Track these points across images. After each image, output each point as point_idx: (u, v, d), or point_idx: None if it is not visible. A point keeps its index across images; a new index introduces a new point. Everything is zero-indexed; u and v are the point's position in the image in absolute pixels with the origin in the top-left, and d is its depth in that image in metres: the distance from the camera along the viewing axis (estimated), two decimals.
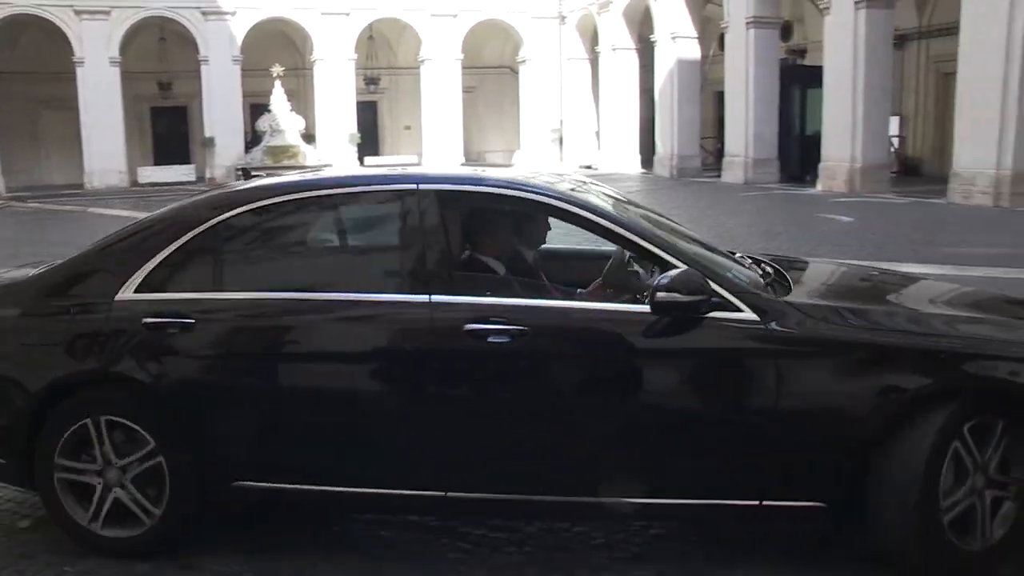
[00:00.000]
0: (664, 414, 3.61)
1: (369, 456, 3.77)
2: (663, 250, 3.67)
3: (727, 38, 25.21)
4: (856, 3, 20.22)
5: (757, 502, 3.56)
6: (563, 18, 33.52)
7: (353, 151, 31.30)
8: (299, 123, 28.97)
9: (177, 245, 3.91)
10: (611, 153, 30.92)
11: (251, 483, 3.79)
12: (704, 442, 3.59)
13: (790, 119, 25.45)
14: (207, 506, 3.89)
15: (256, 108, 30.87)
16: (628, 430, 3.61)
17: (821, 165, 21.95)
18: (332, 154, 29.86)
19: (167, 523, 3.82)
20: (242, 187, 4.56)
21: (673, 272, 3.46)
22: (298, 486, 3.80)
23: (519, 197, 3.98)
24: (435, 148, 32.19)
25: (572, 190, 4.05)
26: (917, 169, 26.09)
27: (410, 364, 3.69)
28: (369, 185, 4.16)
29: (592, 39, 32.58)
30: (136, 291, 3.85)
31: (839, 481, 3.45)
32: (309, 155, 28.92)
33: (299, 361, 3.86)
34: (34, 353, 3.95)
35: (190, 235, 3.91)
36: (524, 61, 33.96)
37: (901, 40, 26.16)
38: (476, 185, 4.19)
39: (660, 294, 3.41)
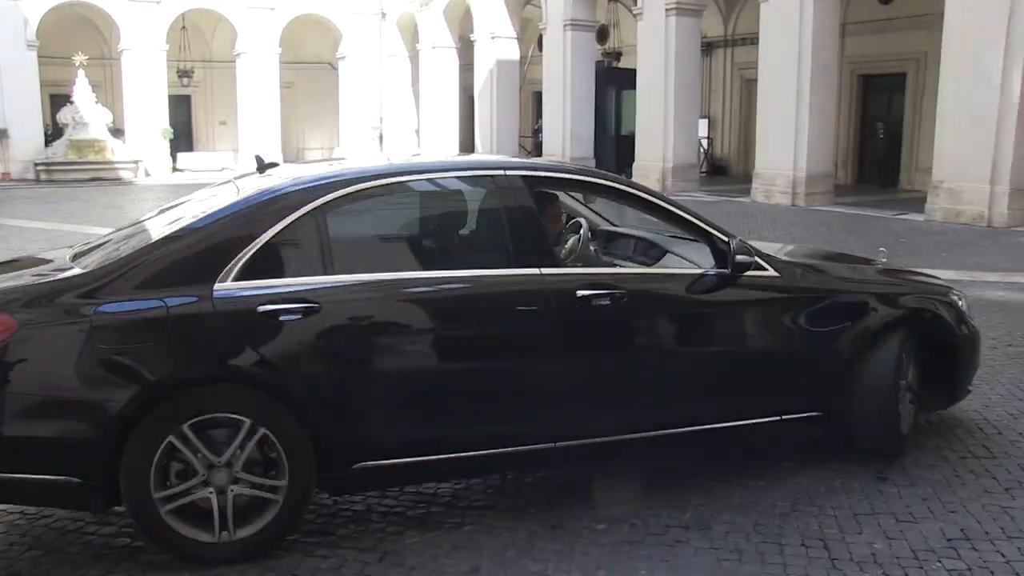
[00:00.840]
0: (729, 354, 4.53)
1: (491, 418, 4.06)
2: (709, 227, 4.48)
3: (545, 39, 25.76)
4: (667, 10, 21.13)
5: (779, 418, 4.56)
6: (383, 14, 33.26)
7: (165, 146, 29.91)
8: (106, 116, 27.50)
9: (278, 229, 3.80)
10: (431, 151, 30.97)
11: (372, 463, 3.86)
12: (751, 374, 4.51)
13: (605, 119, 26.28)
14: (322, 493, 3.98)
15: (57, 99, 29.18)
16: (703, 369, 4.44)
17: (635, 164, 22.81)
18: (142, 149, 28.52)
19: (291, 508, 3.72)
20: (340, 169, 4.47)
21: (733, 242, 4.33)
22: (421, 458, 3.93)
23: (594, 183, 4.72)
24: (252, 144, 31.14)
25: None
26: (724, 169, 27.54)
27: (529, 330, 4.05)
28: (464, 170, 4.61)
29: (413, 37, 32.51)
30: (235, 279, 3.69)
31: (832, 392, 4.63)
32: (117, 150, 27.53)
33: (422, 337, 4.01)
34: (119, 358, 3.56)
35: (292, 218, 3.83)
36: (344, 57, 33.45)
37: (709, 47, 27.51)
38: (557, 172, 4.85)
39: (740, 256, 4.28)
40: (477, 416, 4.03)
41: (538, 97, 28.42)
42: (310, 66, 35.71)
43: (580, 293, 4.08)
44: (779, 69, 18.47)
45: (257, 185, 4.16)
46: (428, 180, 4.51)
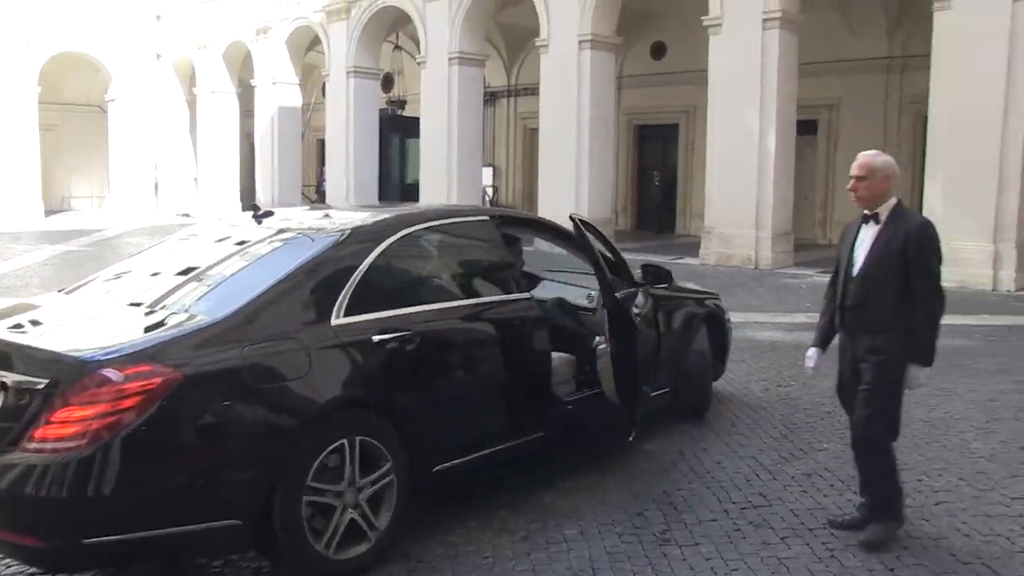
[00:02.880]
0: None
1: (515, 415, 4.91)
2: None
3: (328, 86, 25.29)
4: (450, 59, 21.25)
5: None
6: (158, 56, 31.71)
7: None
8: None
9: (368, 264, 4.33)
10: (211, 200, 29.54)
11: (447, 463, 4.48)
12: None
13: (390, 167, 26.08)
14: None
15: None
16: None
17: None
18: None
19: (391, 534, 4.14)
20: (404, 211, 5.24)
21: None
22: (473, 455, 4.63)
23: (546, 223, 6.13)
24: (7, 191, 28.45)
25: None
26: None
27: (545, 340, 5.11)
28: (478, 215, 5.40)
29: (190, 80, 31.16)
30: (345, 314, 4.12)
31: (679, 369, 6.34)
32: None
33: (473, 353, 4.81)
34: (270, 393, 3.78)
35: (372, 257, 4.37)
36: (115, 100, 31.52)
37: (493, 96, 27.95)
38: (526, 215, 7.09)
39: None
40: (507, 414, 4.89)
41: (322, 145, 27.88)
42: (76, 108, 33.46)
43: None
44: (559, 119, 18.95)
45: (319, 226, 4.77)
46: (456, 224, 5.24)
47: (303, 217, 5.26)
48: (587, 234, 5.31)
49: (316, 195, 29.70)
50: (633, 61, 24.39)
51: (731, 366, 7.67)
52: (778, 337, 9.91)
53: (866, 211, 4.41)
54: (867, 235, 4.41)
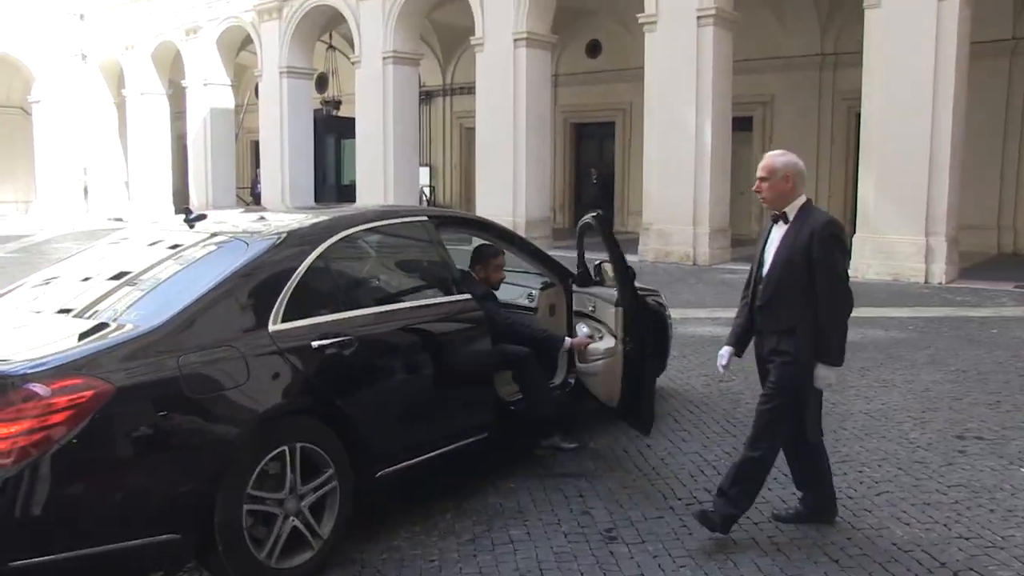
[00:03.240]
0: None
1: (458, 417, 4.88)
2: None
3: (261, 87, 24.88)
4: (384, 58, 21.05)
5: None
6: (84, 56, 30.89)
7: None
8: None
9: (304, 269, 4.20)
10: (143, 204, 28.87)
11: (391, 468, 4.40)
12: None
13: (326, 168, 25.76)
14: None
15: None
16: None
17: None
18: None
19: (334, 541, 4.06)
20: (342, 213, 5.04)
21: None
22: (417, 459, 4.55)
23: (487, 223, 5.93)
24: None
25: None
26: None
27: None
28: (417, 215, 5.25)
29: (119, 81, 30.40)
30: (282, 320, 4.00)
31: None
32: None
33: (414, 356, 4.69)
34: (208, 403, 3.64)
35: (309, 261, 4.24)
36: (39, 101, 30.66)
37: (428, 96, 27.80)
38: (465, 215, 6.64)
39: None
40: (445, 416, 4.81)
41: (257, 146, 27.44)
42: None
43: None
44: (496, 118, 18.89)
45: (254, 229, 4.64)
46: (394, 225, 5.12)
47: (238, 220, 5.13)
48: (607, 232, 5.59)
49: (251, 197, 29.20)
50: (569, 59, 24.44)
51: (672, 362, 7.68)
52: (718, 332, 9.95)
53: (775, 211, 4.37)
54: (776, 235, 4.37)
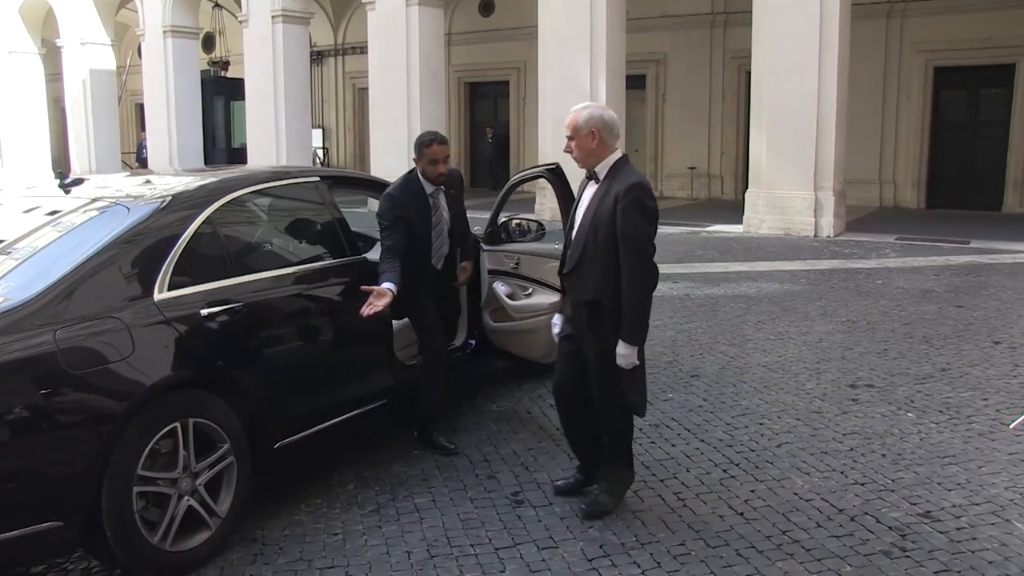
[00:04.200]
0: None
1: (356, 384, 4.74)
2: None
3: (144, 47, 23.79)
4: (273, 17, 20.42)
5: None
6: None
7: None
8: None
9: (187, 238, 3.98)
10: (18, 170, 27.37)
11: (289, 438, 4.25)
12: None
13: (214, 131, 24.94)
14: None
15: None
16: None
17: None
18: None
19: (232, 519, 3.89)
20: (229, 175, 4.81)
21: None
22: (316, 427, 4.40)
23: (383, 182, 5.41)
24: None
25: None
26: None
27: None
28: (308, 176, 5.09)
29: None
30: (168, 288, 3.80)
31: None
32: None
33: (308, 321, 4.51)
34: (90, 378, 3.39)
35: (195, 225, 4.03)
36: None
37: (320, 56, 27.14)
38: (359, 175, 6.53)
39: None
40: (344, 383, 4.68)
41: (142, 109, 26.31)
42: None
43: None
44: (389, 77, 18.56)
45: (137, 193, 4.37)
46: (285, 186, 4.91)
47: (120, 184, 4.85)
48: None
49: (137, 163, 28.06)
50: (462, 18, 24.15)
51: None
52: None
53: (587, 169, 4.08)
54: (587, 195, 4.07)
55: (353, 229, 5.13)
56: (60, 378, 3.29)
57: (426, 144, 4.97)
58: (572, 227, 4.11)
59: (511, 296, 5.75)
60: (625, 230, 3.83)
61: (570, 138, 4.02)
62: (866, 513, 4.15)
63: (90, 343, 3.42)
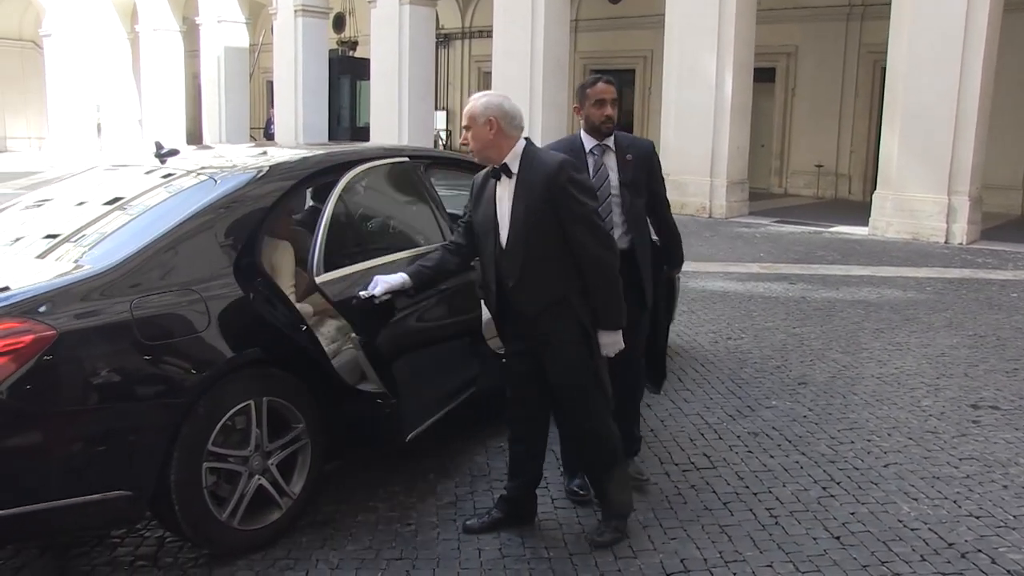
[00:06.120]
0: None
1: (457, 369, 4.57)
2: None
3: (276, 26, 24.41)
4: None
5: None
6: None
7: None
8: None
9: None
10: (164, 144, 28.48)
11: (419, 428, 4.11)
12: None
13: (339, 110, 25.40)
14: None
15: None
16: None
17: None
18: None
19: (304, 500, 3.84)
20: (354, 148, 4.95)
21: None
22: (438, 415, 4.29)
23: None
24: None
25: None
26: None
27: None
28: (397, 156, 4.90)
29: (132, 17, 29.92)
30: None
31: None
32: None
33: (392, 306, 4.06)
34: (164, 351, 3.35)
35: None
36: (50, 35, 30.14)
37: (447, 39, 27.29)
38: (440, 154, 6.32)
39: None
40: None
41: (271, 86, 27.02)
42: (7, 43, 32.06)
43: None
44: (512, 61, 18.45)
45: (220, 166, 4.26)
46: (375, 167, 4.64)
47: (220, 155, 4.83)
48: None
49: (264, 138, 28.87)
50: (589, 4, 23.86)
51: (680, 318, 7.43)
52: (729, 287, 9.69)
53: (488, 164, 3.70)
54: (504, 193, 3.65)
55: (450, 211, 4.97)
56: (132, 348, 3.26)
57: (589, 84, 4.18)
58: (494, 233, 3.68)
59: None
60: (572, 213, 3.51)
61: (466, 127, 3.67)
62: (979, 551, 3.79)
63: (165, 315, 3.38)
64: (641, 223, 4.21)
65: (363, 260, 4.13)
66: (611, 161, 4.16)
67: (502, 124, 3.59)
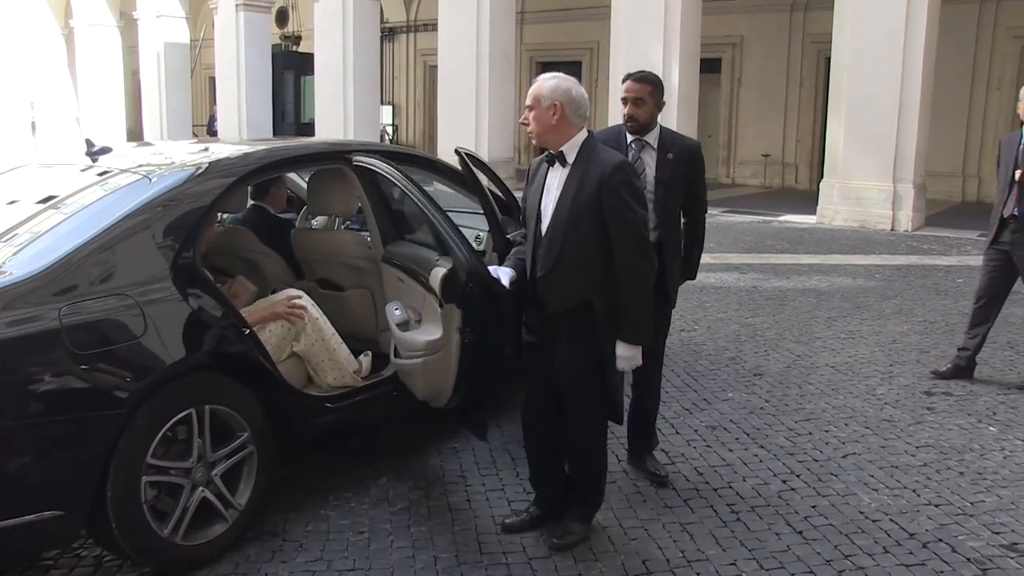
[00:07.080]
0: None
1: None
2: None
3: (217, 21, 23.93)
4: None
5: None
6: None
7: None
8: None
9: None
10: (96, 141, 27.82)
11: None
12: None
13: (284, 106, 25.03)
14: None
15: None
16: None
17: None
18: None
19: (251, 511, 3.66)
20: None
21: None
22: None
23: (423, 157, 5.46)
24: None
25: None
26: None
27: None
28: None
29: (66, 12, 29.14)
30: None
31: None
32: None
33: None
34: (97, 360, 3.13)
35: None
36: None
37: (391, 32, 27.00)
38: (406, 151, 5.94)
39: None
40: None
41: (214, 82, 26.52)
42: None
43: None
44: (459, 55, 18.30)
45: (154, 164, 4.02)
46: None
47: (159, 152, 4.63)
48: (474, 169, 4.49)
49: (208, 135, 28.34)
50: None
51: None
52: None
53: (549, 151, 3.57)
54: (554, 182, 3.54)
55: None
56: (61, 359, 3.05)
57: (621, 81, 4.15)
58: (536, 220, 3.58)
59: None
60: (620, 218, 3.37)
61: (529, 108, 3.51)
62: (940, 540, 3.76)
63: (97, 322, 3.18)
64: (672, 222, 4.14)
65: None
66: (649, 157, 4.10)
67: (567, 110, 3.46)
